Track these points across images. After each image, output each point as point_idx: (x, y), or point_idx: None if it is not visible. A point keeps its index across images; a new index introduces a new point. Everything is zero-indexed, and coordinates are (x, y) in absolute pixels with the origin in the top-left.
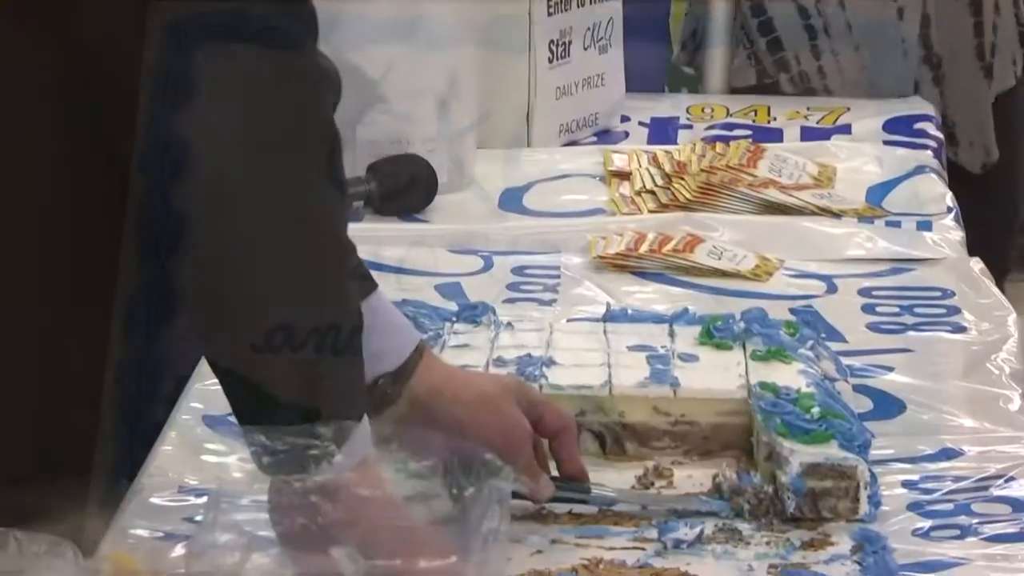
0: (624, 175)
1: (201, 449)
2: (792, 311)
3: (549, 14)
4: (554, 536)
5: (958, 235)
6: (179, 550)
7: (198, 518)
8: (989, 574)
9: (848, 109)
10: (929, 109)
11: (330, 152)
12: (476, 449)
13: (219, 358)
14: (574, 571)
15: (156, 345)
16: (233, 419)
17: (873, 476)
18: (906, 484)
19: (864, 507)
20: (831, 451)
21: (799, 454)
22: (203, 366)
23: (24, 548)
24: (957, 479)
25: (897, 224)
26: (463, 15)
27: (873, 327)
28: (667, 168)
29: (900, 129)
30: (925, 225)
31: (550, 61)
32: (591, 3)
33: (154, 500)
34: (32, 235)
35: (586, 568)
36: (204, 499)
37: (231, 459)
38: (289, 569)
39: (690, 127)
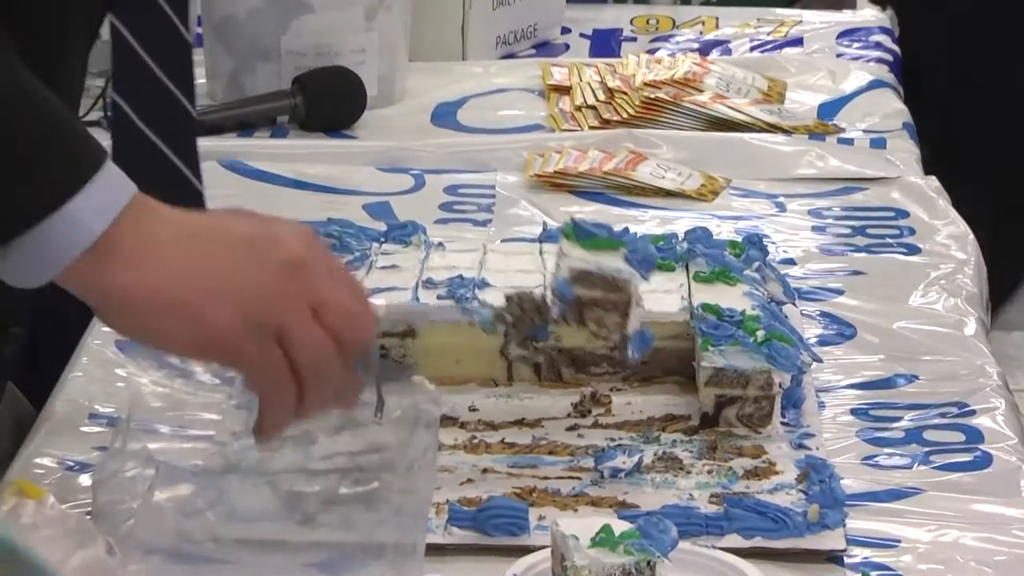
0: (564, 90)
1: (113, 375)
2: (738, 231)
3: None
4: (485, 465)
5: (914, 153)
6: (87, 480)
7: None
8: (940, 504)
9: (800, 21)
10: (885, 21)
11: None
12: (404, 369)
13: None
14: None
15: None
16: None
17: (794, 379)
18: (855, 411)
19: (634, 324)
20: (609, 261)
21: (571, 259)
22: None
23: None
24: (909, 407)
25: (850, 141)
26: None
27: (823, 249)
28: (609, 83)
29: (855, 41)
30: (879, 142)
31: None
32: None
33: (63, 429)
34: None
35: (519, 497)
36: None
37: (145, 383)
38: (201, 498)
39: (634, 39)
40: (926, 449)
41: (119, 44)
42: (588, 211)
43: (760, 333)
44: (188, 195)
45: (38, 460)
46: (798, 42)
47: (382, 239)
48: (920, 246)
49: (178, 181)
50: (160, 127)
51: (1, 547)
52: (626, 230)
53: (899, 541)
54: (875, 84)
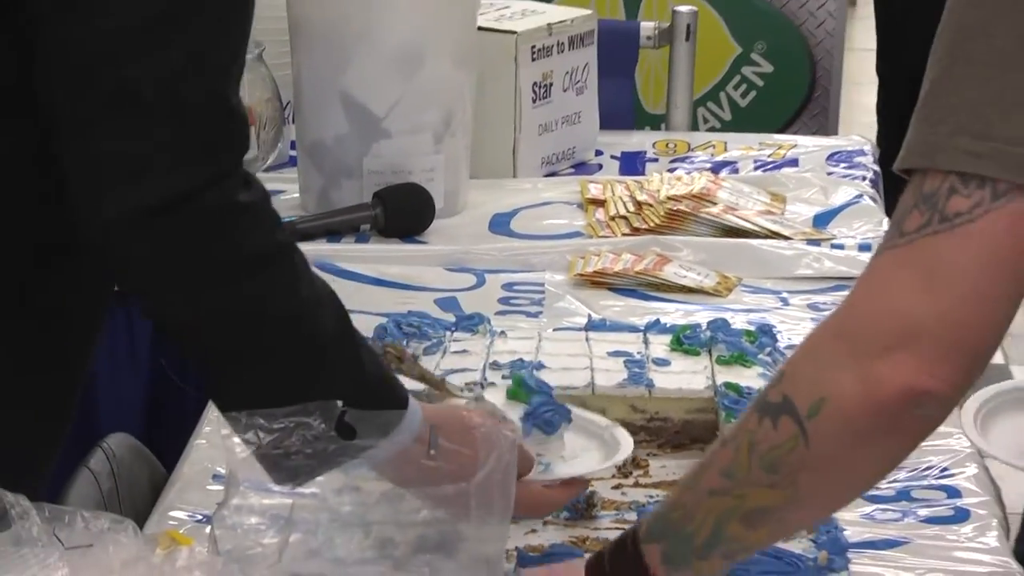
0: (599, 202)
1: (231, 441)
2: (750, 322)
3: (533, 59)
4: (547, 517)
5: None
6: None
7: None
8: (926, 551)
9: (795, 145)
10: (866, 144)
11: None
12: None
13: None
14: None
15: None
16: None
17: None
18: None
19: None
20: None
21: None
22: None
23: (90, 524)
24: (899, 469)
25: (840, 246)
26: (458, 60)
27: None
28: (638, 196)
29: (842, 162)
30: (865, 247)
31: (533, 101)
32: (570, 50)
33: (191, 487)
34: None
35: (575, 544)
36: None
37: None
38: (310, 544)
39: (656, 160)
40: (914, 505)
41: None
42: (623, 304)
43: None
44: None
45: (172, 513)
46: (794, 162)
47: (453, 328)
48: None
49: None
50: None
51: None
52: (657, 321)
53: None
54: (860, 198)
